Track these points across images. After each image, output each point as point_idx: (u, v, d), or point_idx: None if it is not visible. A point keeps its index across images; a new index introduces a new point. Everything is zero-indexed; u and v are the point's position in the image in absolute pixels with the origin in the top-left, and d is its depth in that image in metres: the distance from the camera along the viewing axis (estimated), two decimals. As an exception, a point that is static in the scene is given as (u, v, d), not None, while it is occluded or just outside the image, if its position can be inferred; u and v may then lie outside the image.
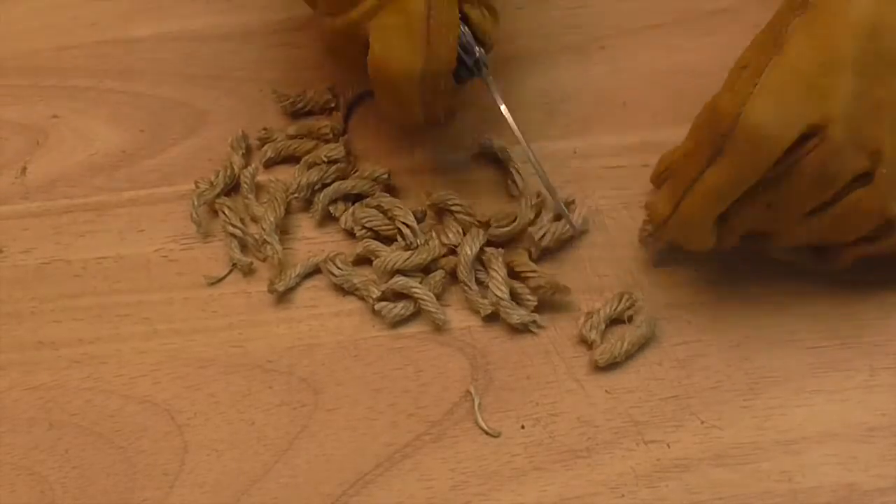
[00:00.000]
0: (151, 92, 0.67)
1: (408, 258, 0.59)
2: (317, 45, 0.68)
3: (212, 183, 0.62)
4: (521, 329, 0.58)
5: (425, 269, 0.60)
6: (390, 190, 0.62)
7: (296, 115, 0.65)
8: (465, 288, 0.58)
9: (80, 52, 0.68)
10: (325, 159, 0.62)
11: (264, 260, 0.60)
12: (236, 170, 0.63)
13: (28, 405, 0.57)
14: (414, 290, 0.58)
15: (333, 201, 0.62)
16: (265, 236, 0.60)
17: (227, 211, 0.61)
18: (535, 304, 0.58)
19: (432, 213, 0.61)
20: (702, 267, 0.59)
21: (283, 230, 0.61)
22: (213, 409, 0.57)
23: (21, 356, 0.58)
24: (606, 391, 0.56)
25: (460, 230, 0.60)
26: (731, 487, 0.54)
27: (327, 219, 0.62)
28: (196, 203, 0.61)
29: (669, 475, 0.54)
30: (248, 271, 0.60)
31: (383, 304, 0.58)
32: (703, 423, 0.55)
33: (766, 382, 0.56)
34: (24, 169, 0.64)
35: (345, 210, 0.62)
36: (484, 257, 0.59)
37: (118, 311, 0.59)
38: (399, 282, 0.58)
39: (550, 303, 0.58)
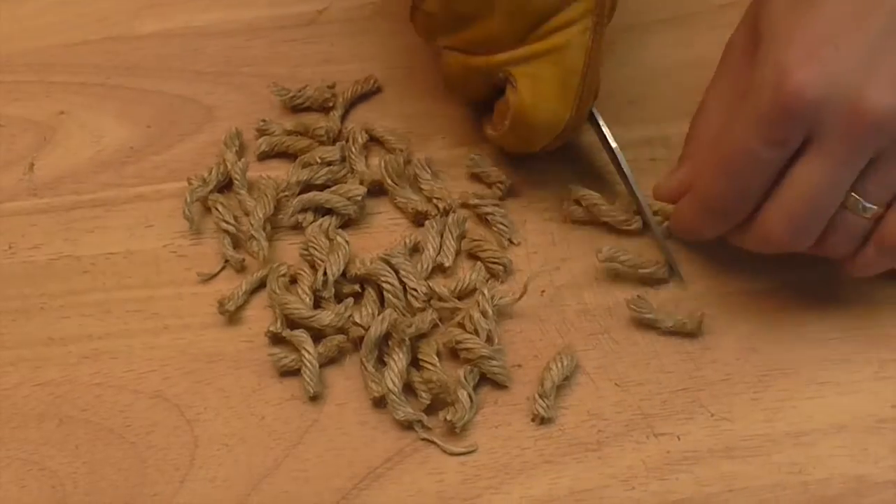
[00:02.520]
0: (159, 88, 0.67)
1: (306, 316, 0.57)
2: (324, 42, 0.68)
3: (205, 179, 0.62)
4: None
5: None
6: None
7: (295, 109, 0.65)
8: (363, 366, 0.56)
9: (88, 49, 0.68)
10: (320, 160, 0.62)
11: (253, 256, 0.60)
12: (229, 166, 0.62)
13: (38, 401, 0.57)
14: (304, 347, 0.56)
15: (304, 210, 0.61)
16: (252, 231, 0.60)
17: (220, 207, 0.61)
18: (428, 402, 0.55)
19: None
20: (709, 261, 0.59)
21: (278, 226, 0.61)
22: (223, 404, 0.57)
23: (30, 352, 0.58)
24: (616, 384, 0.56)
25: (376, 313, 0.57)
26: (742, 479, 0.54)
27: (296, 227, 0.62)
28: (189, 200, 0.61)
29: (680, 468, 0.54)
30: (240, 268, 0.60)
31: (276, 352, 0.57)
32: (713, 415, 0.55)
33: (776, 375, 0.56)
34: (31, 165, 0.64)
35: (312, 221, 0.61)
36: (390, 344, 0.56)
37: (127, 307, 0.60)
38: (294, 335, 0.57)
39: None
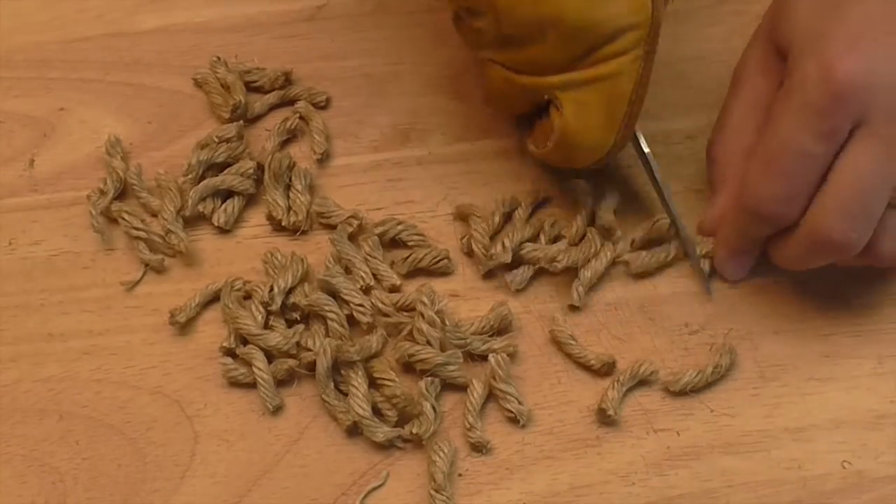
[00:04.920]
0: (159, 84, 0.67)
1: (254, 333, 0.57)
2: (324, 37, 0.68)
3: (102, 191, 0.62)
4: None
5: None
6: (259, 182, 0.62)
7: (248, 86, 0.66)
8: (323, 398, 0.56)
9: (88, 45, 0.68)
10: (217, 139, 0.62)
11: (173, 255, 0.60)
12: (121, 174, 0.62)
13: (38, 397, 0.57)
14: (256, 364, 0.56)
15: (203, 199, 0.61)
16: (168, 226, 0.60)
17: (126, 216, 0.61)
18: (396, 419, 0.55)
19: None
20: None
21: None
22: (223, 400, 0.57)
23: (31, 348, 0.58)
24: (615, 380, 0.56)
25: (324, 343, 0.55)
26: (741, 475, 0.54)
27: (199, 219, 0.62)
28: (94, 213, 0.61)
29: (679, 463, 0.54)
30: (161, 269, 0.60)
31: (227, 362, 0.57)
32: (712, 411, 0.55)
33: (775, 371, 0.57)
34: (31, 161, 0.64)
35: (214, 207, 0.61)
36: (343, 371, 0.56)
37: (127, 303, 0.60)
38: (246, 351, 0.57)
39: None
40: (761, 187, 0.54)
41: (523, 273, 0.59)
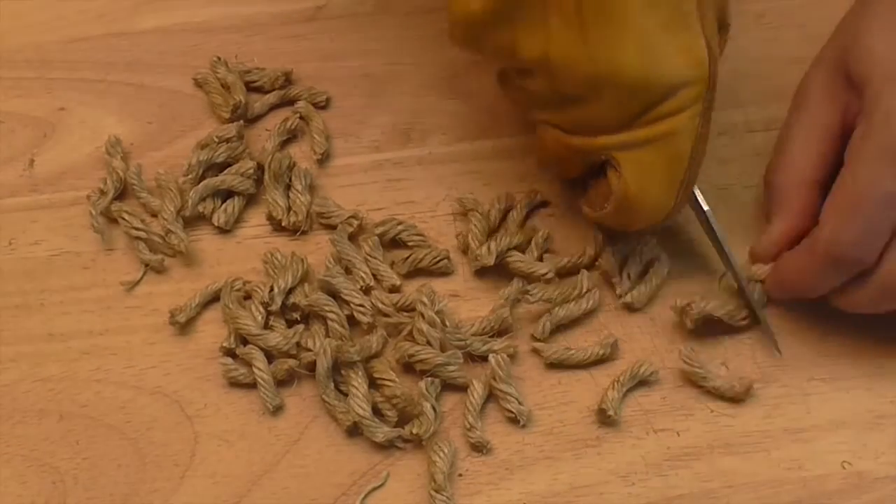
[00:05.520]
0: (159, 84, 0.67)
1: (254, 333, 0.57)
2: (324, 37, 0.68)
3: (102, 191, 0.62)
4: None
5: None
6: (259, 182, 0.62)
7: (248, 86, 0.66)
8: (323, 398, 0.56)
9: (88, 45, 0.68)
10: (217, 139, 0.62)
11: (173, 255, 0.60)
12: (121, 174, 0.62)
13: (38, 397, 0.57)
14: (256, 364, 0.56)
15: (203, 199, 0.61)
16: (168, 226, 0.60)
17: (126, 216, 0.61)
18: (396, 419, 0.55)
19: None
20: (707, 257, 0.59)
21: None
22: (223, 400, 0.57)
23: (31, 348, 0.58)
24: (615, 380, 0.56)
25: (324, 343, 0.55)
26: (741, 475, 0.54)
27: (199, 219, 0.62)
28: (94, 213, 0.61)
29: (679, 463, 0.54)
30: (161, 269, 0.60)
31: (227, 362, 0.57)
32: (712, 411, 0.55)
33: (775, 371, 0.56)
34: (31, 161, 0.64)
35: (214, 207, 0.61)
36: (344, 371, 0.56)
37: (127, 303, 0.60)
38: (246, 351, 0.57)
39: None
40: (842, 233, 0.52)
41: (516, 289, 0.58)
